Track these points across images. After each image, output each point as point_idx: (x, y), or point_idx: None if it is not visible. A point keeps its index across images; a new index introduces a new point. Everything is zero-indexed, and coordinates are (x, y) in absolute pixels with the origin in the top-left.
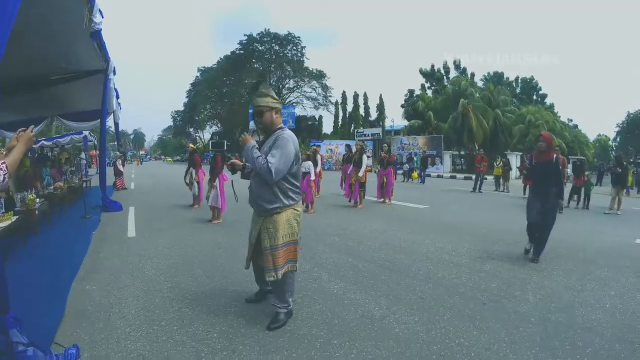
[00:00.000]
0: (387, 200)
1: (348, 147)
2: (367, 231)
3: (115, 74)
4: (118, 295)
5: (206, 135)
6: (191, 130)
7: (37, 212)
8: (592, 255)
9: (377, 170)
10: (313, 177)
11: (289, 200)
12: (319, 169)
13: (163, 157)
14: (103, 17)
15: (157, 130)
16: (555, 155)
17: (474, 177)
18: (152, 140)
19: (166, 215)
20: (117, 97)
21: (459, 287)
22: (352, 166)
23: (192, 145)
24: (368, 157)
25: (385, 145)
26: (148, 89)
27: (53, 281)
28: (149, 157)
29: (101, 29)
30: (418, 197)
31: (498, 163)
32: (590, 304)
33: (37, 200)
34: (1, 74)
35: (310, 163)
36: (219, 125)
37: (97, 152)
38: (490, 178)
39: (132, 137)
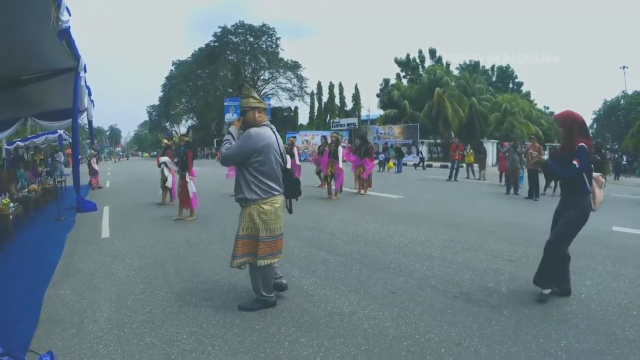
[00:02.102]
0: (363, 191)
1: (323, 137)
2: (339, 223)
3: (85, 71)
4: (90, 299)
5: (182, 129)
6: (167, 124)
7: (11, 217)
8: None
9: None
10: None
11: (251, 194)
12: (296, 161)
13: (140, 152)
14: (70, 15)
15: (132, 126)
16: (580, 144)
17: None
18: (129, 135)
19: (140, 213)
20: (89, 94)
21: (430, 280)
22: (328, 158)
23: (166, 141)
24: (343, 146)
25: (359, 136)
26: (123, 84)
27: (27, 287)
28: (124, 153)
29: (69, 27)
30: (393, 187)
31: (468, 151)
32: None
33: (11, 204)
34: None
35: (288, 157)
36: (195, 118)
37: (89, 153)
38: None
39: (108, 133)
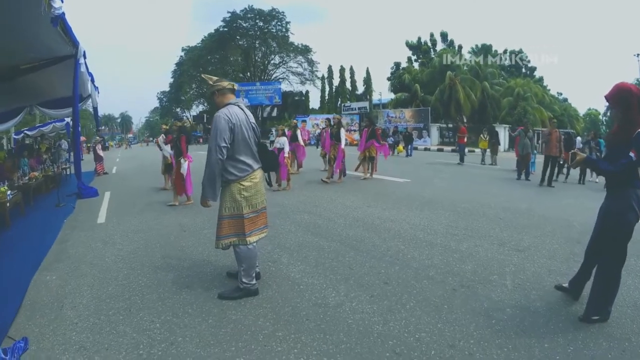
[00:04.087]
0: (369, 175)
1: (327, 120)
2: (339, 207)
3: (85, 57)
4: (74, 285)
5: (193, 114)
6: (177, 110)
7: (7, 204)
8: (578, 233)
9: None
10: (287, 154)
11: (229, 174)
12: (300, 142)
13: (152, 138)
14: (63, 2)
15: (144, 112)
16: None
17: (468, 150)
18: (140, 122)
19: (140, 199)
20: (92, 81)
21: (428, 270)
22: (330, 140)
23: (165, 126)
24: (354, 130)
25: (366, 118)
26: (133, 72)
27: (16, 273)
28: (136, 140)
29: (62, 13)
30: (401, 170)
31: (485, 136)
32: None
33: (8, 192)
34: None
35: (285, 139)
36: (205, 104)
37: (82, 138)
38: (477, 150)
39: (119, 120)
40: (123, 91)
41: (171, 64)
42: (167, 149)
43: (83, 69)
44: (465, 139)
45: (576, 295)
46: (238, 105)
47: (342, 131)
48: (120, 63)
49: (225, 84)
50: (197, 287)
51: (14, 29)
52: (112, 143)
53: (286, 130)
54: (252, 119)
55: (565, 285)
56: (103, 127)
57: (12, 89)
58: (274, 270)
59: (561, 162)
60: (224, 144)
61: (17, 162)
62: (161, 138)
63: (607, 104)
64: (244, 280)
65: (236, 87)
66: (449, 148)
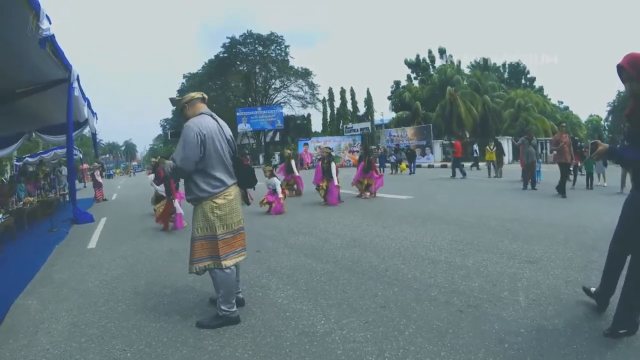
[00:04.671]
0: (368, 194)
1: (327, 149)
2: (337, 227)
3: (79, 81)
4: (52, 309)
5: None
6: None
7: None
8: (592, 239)
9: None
10: (280, 194)
11: (200, 191)
12: (295, 173)
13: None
14: (50, 23)
15: (148, 140)
16: None
17: (466, 164)
18: (145, 150)
19: (134, 225)
20: (89, 106)
21: (431, 290)
22: (322, 175)
23: (154, 159)
24: (356, 151)
25: (361, 148)
26: (137, 99)
27: None
28: (140, 167)
29: (50, 35)
30: (403, 188)
31: (491, 147)
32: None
33: (0, 216)
34: None
35: (275, 180)
36: None
37: (85, 165)
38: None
39: (123, 148)
40: (127, 119)
41: (173, 91)
42: (160, 188)
43: (77, 93)
44: (461, 153)
45: (602, 306)
46: (211, 115)
47: (333, 166)
48: (124, 91)
49: (194, 94)
50: (176, 314)
51: (3, 50)
52: (118, 171)
53: (273, 163)
54: (228, 131)
55: (595, 289)
56: (107, 155)
57: (9, 113)
58: (260, 295)
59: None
60: (192, 158)
61: (13, 187)
62: (151, 177)
63: (607, 108)
64: (222, 307)
65: (205, 96)
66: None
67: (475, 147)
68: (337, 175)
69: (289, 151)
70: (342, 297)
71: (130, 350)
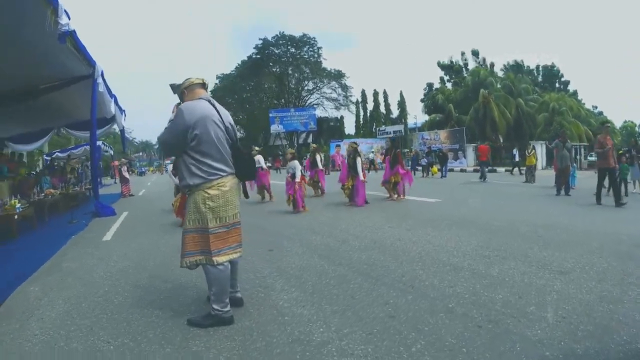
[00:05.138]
0: (396, 196)
1: (353, 143)
2: (358, 228)
3: (103, 78)
4: (52, 297)
5: None
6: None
7: (16, 217)
8: (628, 247)
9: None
10: (297, 179)
11: (193, 178)
12: (319, 167)
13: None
14: (69, 18)
15: None
16: None
17: (500, 169)
18: None
19: (155, 219)
20: (116, 102)
21: (448, 300)
22: (347, 171)
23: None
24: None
25: (388, 140)
26: (171, 100)
27: (2, 283)
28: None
29: (69, 30)
30: (432, 191)
31: (530, 151)
32: (636, 320)
33: (18, 205)
34: None
35: (296, 163)
36: (242, 130)
37: (118, 162)
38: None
39: (156, 147)
40: (162, 118)
41: (207, 91)
42: (177, 180)
43: (102, 89)
44: (486, 157)
45: None
46: (209, 101)
47: (359, 161)
48: (158, 91)
49: (193, 79)
50: (169, 310)
51: (25, 47)
52: (151, 169)
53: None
54: (228, 119)
55: None
56: (140, 153)
57: (35, 109)
58: (262, 296)
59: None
60: (170, 141)
61: (38, 180)
62: (170, 167)
63: None
64: (214, 306)
65: (206, 81)
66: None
67: (515, 151)
68: (362, 171)
69: (314, 145)
70: (349, 303)
71: (114, 342)
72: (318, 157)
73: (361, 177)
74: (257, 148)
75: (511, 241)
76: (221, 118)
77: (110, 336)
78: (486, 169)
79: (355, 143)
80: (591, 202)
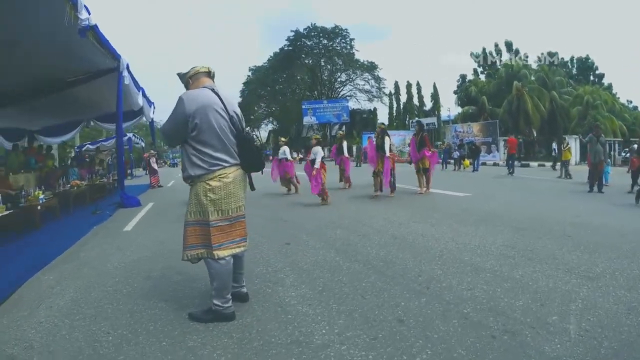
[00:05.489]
0: (424, 190)
1: (381, 124)
2: (381, 223)
3: (129, 70)
4: (64, 286)
5: (262, 133)
6: (247, 128)
7: (39, 207)
8: None
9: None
10: (317, 165)
11: (194, 169)
12: (345, 154)
13: None
14: (90, 13)
15: None
16: None
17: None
18: None
19: (179, 210)
20: (143, 94)
21: (464, 305)
22: (375, 152)
23: None
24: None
25: (416, 123)
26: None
27: (19, 270)
28: None
29: (89, 25)
30: (462, 185)
31: (565, 145)
32: None
33: (41, 196)
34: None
35: (319, 148)
36: (274, 122)
37: (147, 153)
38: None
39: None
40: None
41: (239, 83)
42: None
43: (127, 81)
44: (515, 150)
45: None
46: (212, 89)
47: (387, 140)
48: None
49: (198, 67)
50: (174, 302)
51: (49, 41)
52: None
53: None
54: (234, 108)
55: None
56: (154, 141)
57: (63, 102)
58: (270, 292)
59: None
60: (168, 132)
61: (65, 171)
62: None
63: None
64: (215, 301)
65: (212, 70)
66: (518, 163)
67: (555, 145)
68: (390, 150)
69: (341, 132)
70: (357, 303)
71: (113, 333)
72: (345, 144)
73: (388, 153)
74: (283, 139)
75: (539, 241)
76: (225, 107)
77: (112, 327)
78: (515, 163)
79: (383, 124)
80: (625, 201)
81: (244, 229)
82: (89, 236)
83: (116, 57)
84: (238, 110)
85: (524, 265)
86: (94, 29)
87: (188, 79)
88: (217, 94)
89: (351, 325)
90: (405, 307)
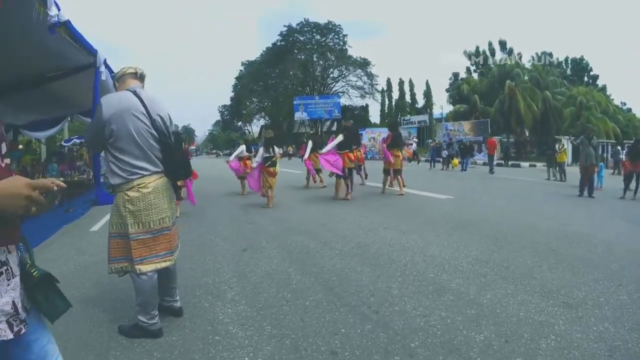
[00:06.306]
0: (394, 187)
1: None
2: (350, 228)
3: (107, 65)
4: None
5: (254, 128)
6: (239, 123)
7: None
8: None
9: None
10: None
11: (114, 177)
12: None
13: (215, 151)
14: (59, 9)
15: (207, 125)
16: None
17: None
18: (204, 135)
19: None
20: None
21: (414, 336)
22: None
23: None
24: (410, 144)
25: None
26: (195, 86)
27: None
28: (198, 152)
29: (58, 22)
30: (446, 186)
31: (560, 147)
32: None
33: None
34: None
35: (243, 147)
36: (266, 117)
37: None
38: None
39: (182, 134)
40: (185, 103)
41: (232, 77)
42: None
43: (104, 77)
44: (494, 151)
45: None
46: (134, 91)
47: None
48: (183, 77)
49: (126, 68)
50: (112, 313)
51: (22, 39)
52: None
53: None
54: (158, 110)
55: None
56: None
57: (46, 97)
58: (207, 307)
59: None
60: (88, 138)
61: (43, 166)
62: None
63: None
64: (139, 317)
65: (140, 71)
66: (509, 163)
67: (557, 146)
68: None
69: (347, 123)
70: (294, 326)
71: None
72: (310, 144)
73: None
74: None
75: (517, 255)
76: (146, 110)
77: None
78: (493, 163)
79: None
80: (615, 208)
81: (170, 242)
82: (57, 235)
83: (92, 52)
84: (163, 113)
85: (496, 285)
86: (66, 24)
87: (115, 82)
88: (138, 96)
89: (277, 354)
90: (344, 336)
